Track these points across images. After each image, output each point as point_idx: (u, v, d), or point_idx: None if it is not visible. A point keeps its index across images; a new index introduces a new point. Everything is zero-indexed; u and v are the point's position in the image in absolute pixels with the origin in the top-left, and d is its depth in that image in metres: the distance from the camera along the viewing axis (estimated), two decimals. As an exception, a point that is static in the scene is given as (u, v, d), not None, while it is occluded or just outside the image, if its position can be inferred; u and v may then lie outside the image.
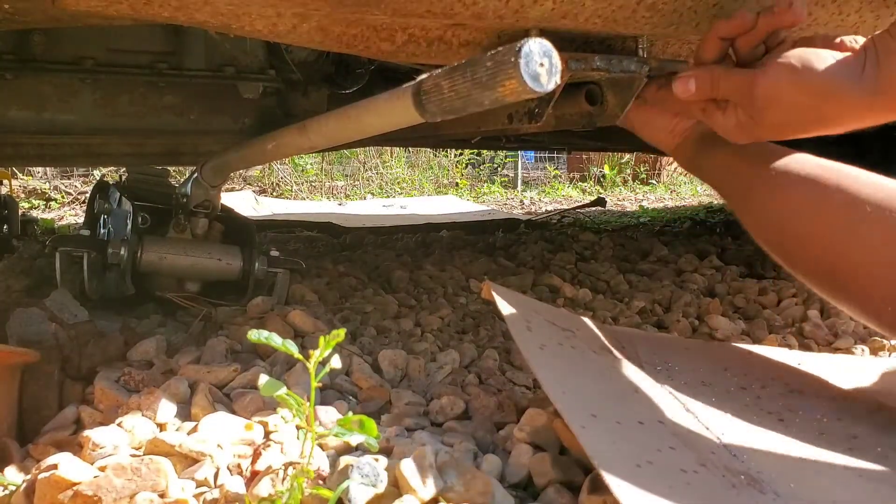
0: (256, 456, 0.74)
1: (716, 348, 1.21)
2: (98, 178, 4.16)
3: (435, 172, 7.13)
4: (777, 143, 0.89)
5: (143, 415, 0.85)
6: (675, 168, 7.49)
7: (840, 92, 0.76)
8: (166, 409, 0.87)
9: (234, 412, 0.89)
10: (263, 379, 0.68)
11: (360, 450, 0.77)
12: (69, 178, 5.66)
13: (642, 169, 7.41)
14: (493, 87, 0.56)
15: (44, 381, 0.92)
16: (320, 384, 0.93)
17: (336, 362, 0.70)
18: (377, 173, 6.95)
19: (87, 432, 0.78)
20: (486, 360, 1.18)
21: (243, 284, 1.46)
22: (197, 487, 0.71)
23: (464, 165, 7.39)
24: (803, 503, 0.67)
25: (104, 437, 0.77)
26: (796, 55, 0.79)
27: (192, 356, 1.06)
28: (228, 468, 0.75)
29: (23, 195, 5.08)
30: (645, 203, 5.35)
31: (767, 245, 0.90)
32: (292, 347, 0.68)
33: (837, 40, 0.80)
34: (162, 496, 0.67)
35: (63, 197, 5.35)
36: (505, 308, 0.91)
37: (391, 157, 7.04)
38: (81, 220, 3.19)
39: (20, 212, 2.74)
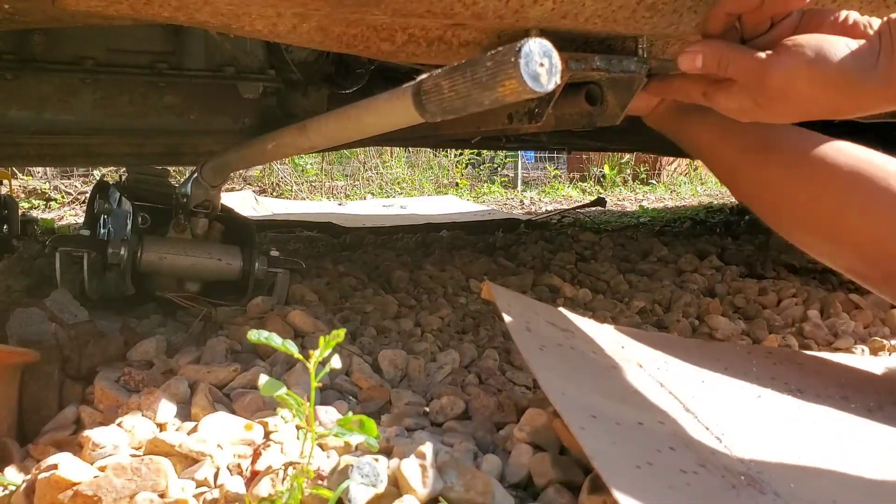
0: (256, 456, 0.74)
1: (716, 348, 1.21)
2: (98, 178, 4.16)
3: (435, 172, 7.13)
4: None
5: (143, 415, 0.85)
6: (676, 168, 7.50)
7: (856, 84, 0.73)
8: (166, 409, 0.87)
9: (234, 412, 0.89)
10: (263, 379, 0.69)
11: (360, 450, 0.77)
12: (69, 178, 5.65)
13: (642, 169, 7.40)
14: (493, 87, 0.56)
15: (44, 381, 0.92)
16: (320, 384, 0.93)
17: (336, 362, 0.70)
18: (377, 173, 6.94)
19: (87, 432, 0.78)
20: (486, 360, 1.18)
21: (243, 284, 1.46)
22: (197, 487, 0.71)
23: (464, 165, 7.39)
24: (803, 503, 0.67)
25: (104, 437, 0.77)
26: (811, 45, 0.75)
27: (192, 356, 1.06)
28: (228, 468, 0.75)
29: (23, 195, 5.08)
30: (645, 203, 5.35)
31: (756, 211, 0.91)
32: (292, 347, 0.68)
33: (851, 21, 0.77)
34: (162, 496, 0.67)
35: (63, 197, 5.35)
36: (505, 308, 0.91)
37: (391, 157, 7.04)
38: (81, 220, 3.19)
39: (20, 212, 2.74)
